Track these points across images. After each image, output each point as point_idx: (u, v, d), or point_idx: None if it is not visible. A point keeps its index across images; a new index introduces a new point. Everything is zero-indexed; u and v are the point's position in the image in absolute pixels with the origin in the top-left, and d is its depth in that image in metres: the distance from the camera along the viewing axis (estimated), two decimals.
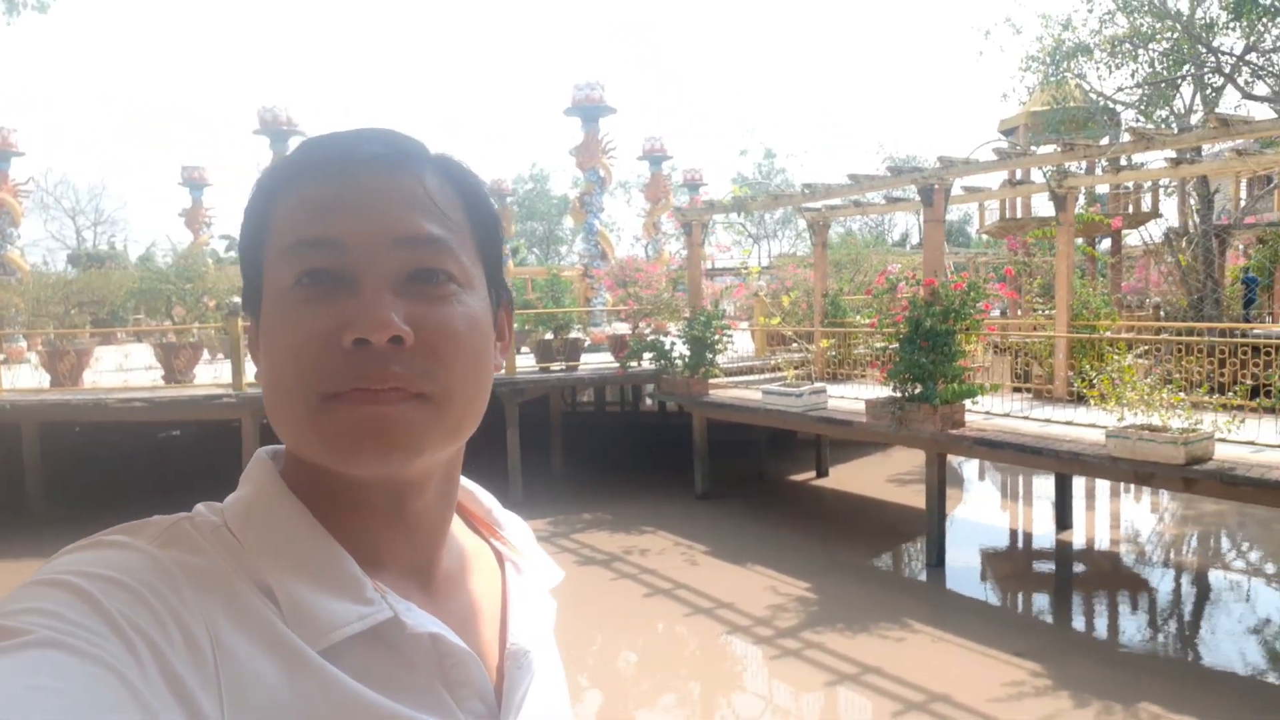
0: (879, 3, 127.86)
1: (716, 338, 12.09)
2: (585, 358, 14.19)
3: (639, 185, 44.23)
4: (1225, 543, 10.93)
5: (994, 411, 9.59)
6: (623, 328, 14.98)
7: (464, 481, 0.82)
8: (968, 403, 9.23)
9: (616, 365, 13.46)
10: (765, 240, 43.54)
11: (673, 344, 12.57)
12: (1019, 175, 15.71)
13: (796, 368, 12.00)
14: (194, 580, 0.58)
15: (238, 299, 12.86)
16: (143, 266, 20.80)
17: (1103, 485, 12.96)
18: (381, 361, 0.62)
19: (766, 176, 44.41)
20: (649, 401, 18.33)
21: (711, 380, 12.25)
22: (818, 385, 10.80)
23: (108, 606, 0.52)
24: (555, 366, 13.49)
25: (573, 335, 14.01)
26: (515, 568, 0.81)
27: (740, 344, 14.73)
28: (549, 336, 13.93)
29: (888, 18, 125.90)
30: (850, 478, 13.72)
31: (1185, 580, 9.45)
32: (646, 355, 12.83)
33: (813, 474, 13.74)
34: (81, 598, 0.52)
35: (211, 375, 12.72)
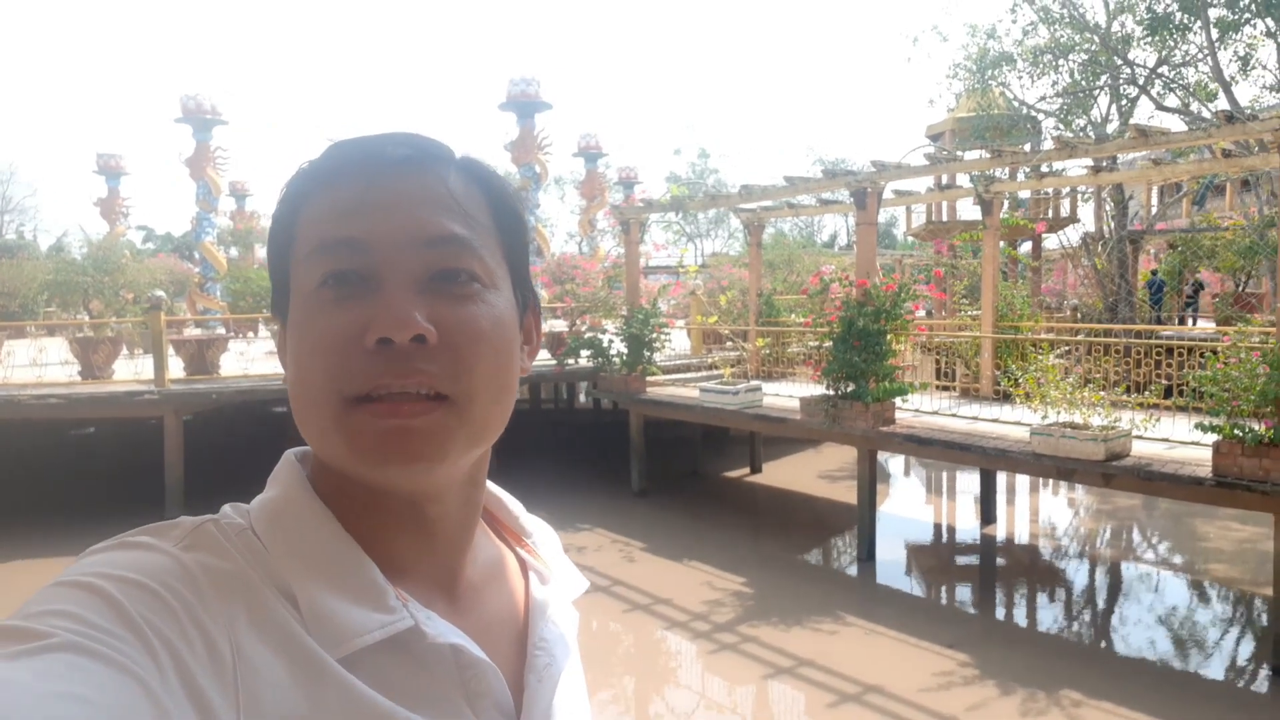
0: (813, 8, 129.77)
1: (654, 335, 12.15)
2: None
3: (574, 182, 44.18)
4: (1138, 535, 11.42)
5: (923, 409, 9.85)
6: (559, 325, 14.94)
7: (491, 487, 0.81)
8: (898, 401, 9.46)
9: (553, 363, 13.44)
10: (699, 239, 43.88)
11: (610, 342, 12.59)
12: (945, 180, 16.16)
13: (733, 366, 12.14)
14: (217, 584, 0.58)
15: (160, 292, 12.45)
16: (56, 257, 19.96)
17: (1023, 480, 13.42)
18: (405, 360, 0.62)
19: (700, 176, 44.76)
20: (583, 399, 18.33)
21: (649, 378, 12.31)
22: (754, 383, 10.95)
23: (130, 610, 0.52)
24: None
25: None
26: (540, 577, 0.81)
27: (677, 342, 14.83)
28: None
29: (821, 22, 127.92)
30: (783, 474, 13.93)
31: (1101, 571, 9.85)
32: (584, 353, 12.83)
33: (747, 470, 13.91)
34: (104, 600, 0.52)
35: (132, 371, 12.29)
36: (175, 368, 12.10)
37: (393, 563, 0.67)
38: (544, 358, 14.45)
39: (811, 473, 14.06)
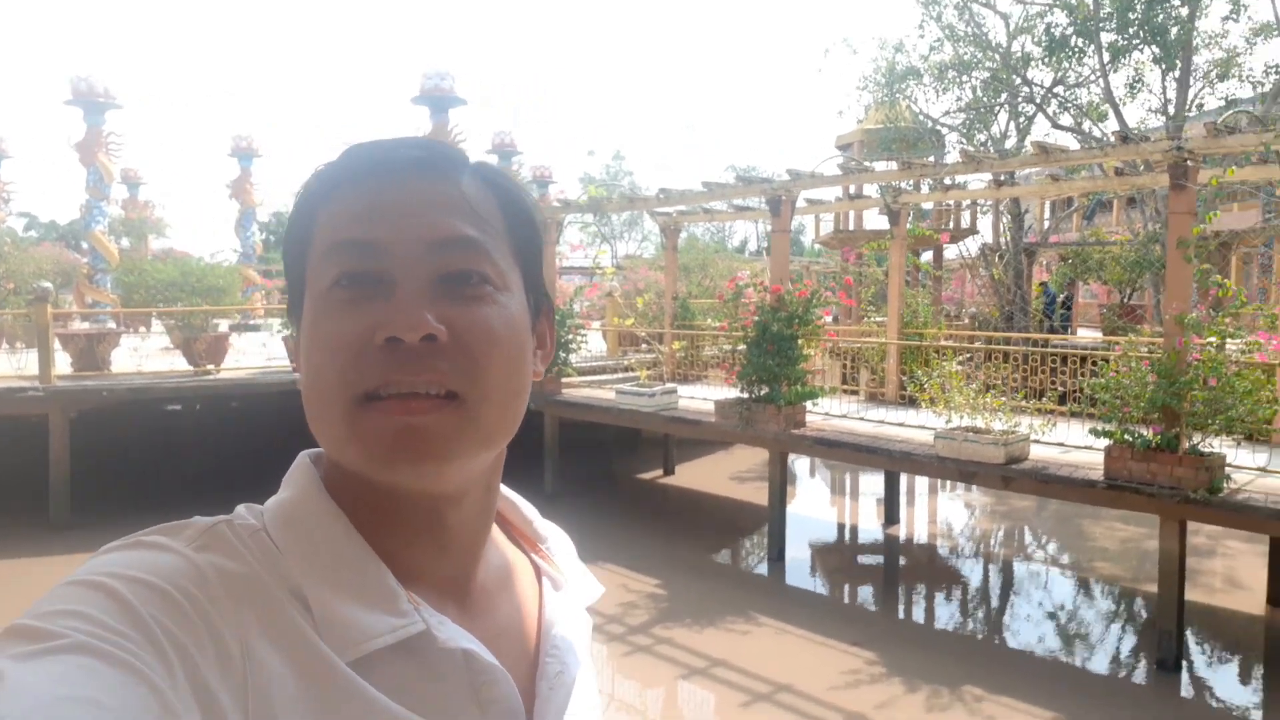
0: (730, 17, 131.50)
1: (570, 337, 12.10)
2: None
3: None
4: (1031, 536, 11.93)
5: (832, 413, 10.08)
6: None
7: (507, 493, 0.82)
8: (809, 404, 9.65)
9: None
10: (613, 241, 43.88)
11: None
12: (853, 190, 16.57)
13: (649, 368, 12.18)
14: (228, 586, 0.58)
15: (46, 283, 11.77)
16: None
17: (925, 482, 13.87)
18: (415, 359, 0.62)
19: (615, 178, 44.79)
20: None
21: (565, 379, 12.26)
22: (669, 385, 11.02)
23: (141, 611, 0.52)
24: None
25: None
26: (553, 583, 0.81)
27: (593, 344, 14.81)
28: None
29: (737, 32, 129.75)
30: (695, 476, 14.06)
31: (998, 570, 10.25)
32: None
33: (660, 472, 13.98)
34: (115, 601, 0.52)
35: (14, 366, 11.58)
36: (62, 363, 11.46)
37: (405, 566, 0.67)
38: None
39: (723, 474, 14.22)
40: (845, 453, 9.07)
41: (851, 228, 19.01)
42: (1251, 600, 8.55)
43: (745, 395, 9.65)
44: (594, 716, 0.78)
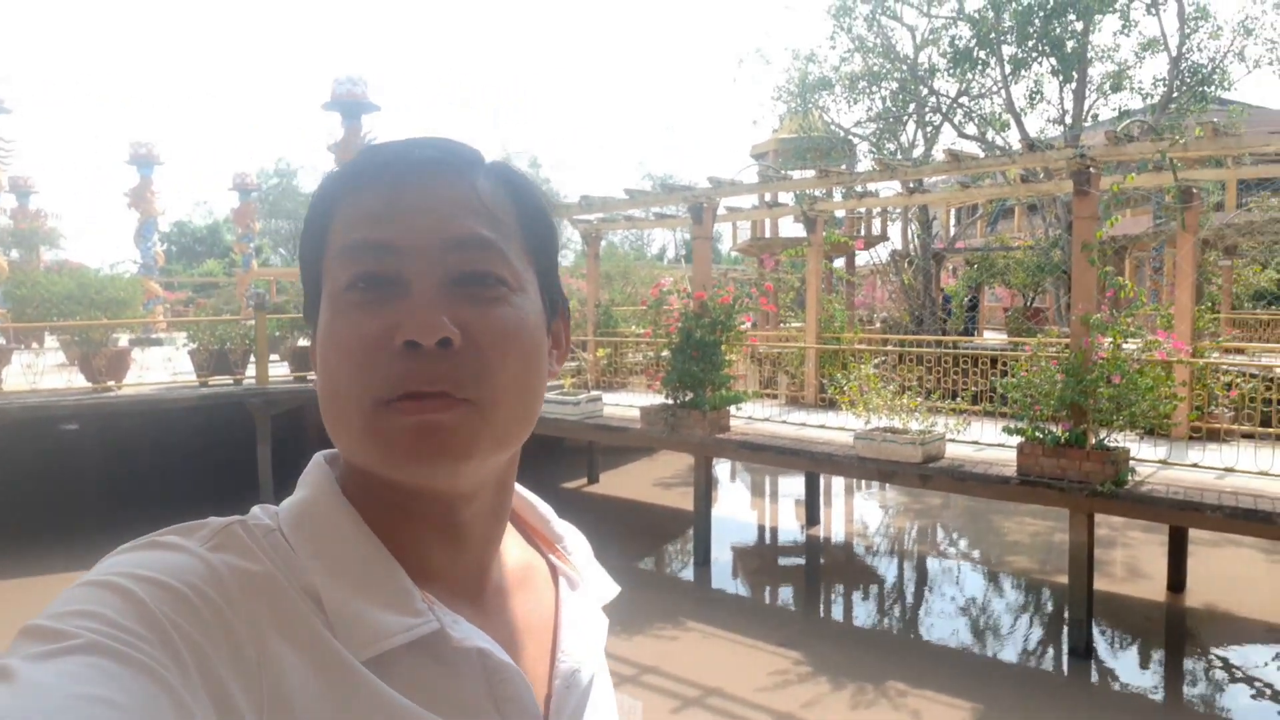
0: (643, 27, 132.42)
1: None
2: None
3: None
4: (948, 532, 12.27)
5: (755, 417, 10.19)
6: None
7: (523, 493, 0.83)
8: (732, 409, 9.74)
9: None
10: None
11: None
12: (769, 198, 16.84)
13: (573, 376, 12.12)
14: (243, 585, 0.58)
15: None
16: None
17: (846, 483, 14.14)
18: (431, 364, 0.62)
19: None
20: None
21: None
22: (594, 393, 10.97)
23: (155, 611, 0.52)
24: (312, 376, 12.70)
25: None
26: (569, 582, 0.80)
27: None
28: (306, 343, 13.15)
29: (652, 41, 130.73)
30: (620, 483, 14.04)
31: (918, 567, 10.51)
32: None
33: (584, 480, 13.92)
34: (129, 601, 0.52)
35: None
36: None
37: (420, 566, 0.67)
38: None
39: (648, 481, 14.24)
40: (769, 456, 9.18)
41: (768, 235, 19.30)
42: (1153, 588, 8.95)
43: (670, 401, 9.68)
44: (610, 715, 0.79)
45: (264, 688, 0.54)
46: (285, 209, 52.91)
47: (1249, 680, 7.12)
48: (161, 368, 12.32)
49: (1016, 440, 7.54)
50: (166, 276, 23.91)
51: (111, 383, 11.24)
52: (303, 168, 54.92)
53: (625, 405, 11.02)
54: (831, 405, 10.09)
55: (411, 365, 0.62)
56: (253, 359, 12.22)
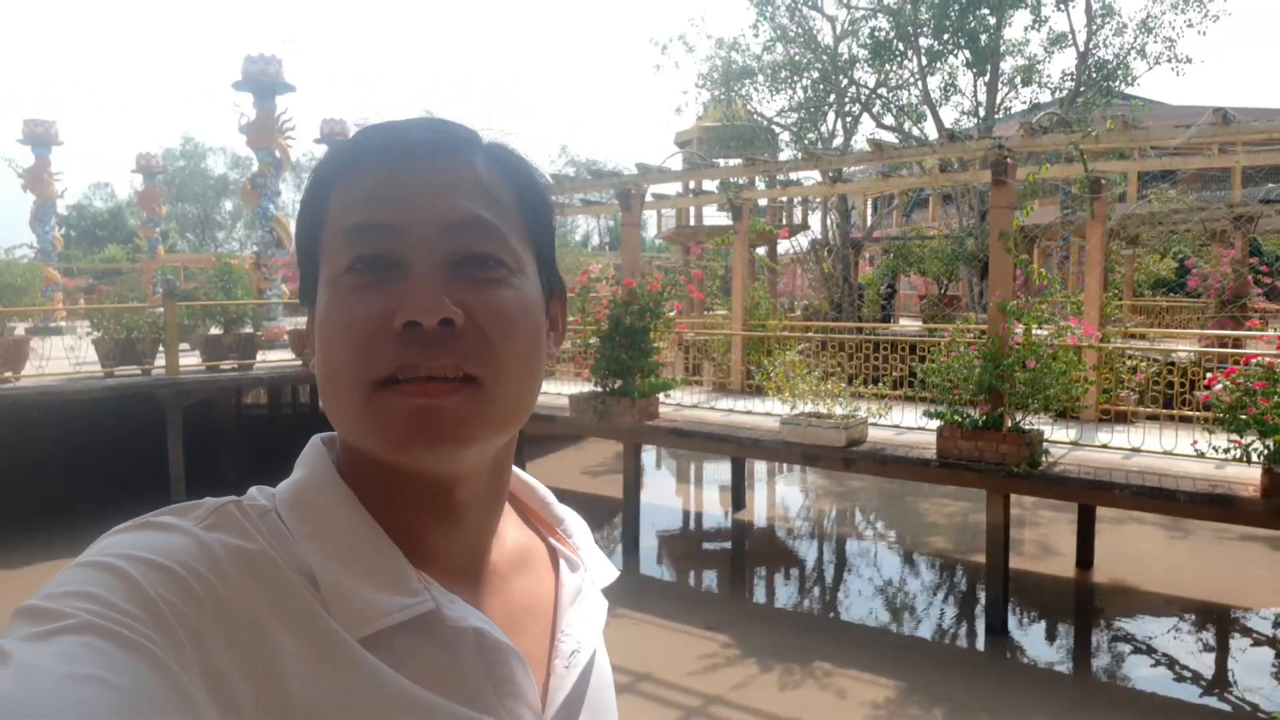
0: (568, 11, 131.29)
1: None
2: (261, 355, 13.14)
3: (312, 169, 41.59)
4: (870, 515, 12.56)
5: (683, 404, 10.24)
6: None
7: (523, 476, 0.83)
8: (661, 395, 9.77)
9: (300, 363, 12.60)
10: None
11: None
12: (692, 186, 16.92)
13: None
14: (238, 564, 0.58)
15: None
16: None
17: (775, 467, 14.35)
18: (432, 343, 0.62)
19: None
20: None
21: None
22: None
23: (149, 591, 0.52)
24: (226, 365, 12.31)
25: (246, 330, 12.88)
26: (569, 564, 0.80)
27: None
28: (217, 332, 12.69)
29: (577, 25, 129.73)
30: (547, 473, 13.95)
31: (842, 549, 10.73)
32: None
33: None
34: (124, 581, 0.52)
35: None
36: None
37: (417, 547, 0.67)
38: (288, 358, 13.54)
39: (575, 469, 14.21)
40: (698, 442, 9.24)
41: (692, 223, 19.39)
42: (1064, 564, 9.32)
43: (599, 389, 9.65)
44: (607, 696, 0.79)
45: (259, 667, 0.54)
46: (193, 192, 51.01)
47: (1150, 650, 7.48)
48: (63, 358, 11.74)
49: (936, 424, 7.74)
50: (66, 262, 22.76)
51: (9, 374, 10.66)
52: (212, 149, 52.94)
53: (552, 393, 10.94)
54: (758, 391, 10.20)
55: (412, 346, 0.62)
56: (162, 348, 11.75)
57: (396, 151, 0.66)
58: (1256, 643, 7.81)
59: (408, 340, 0.62)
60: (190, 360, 12.41)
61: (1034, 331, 7.41)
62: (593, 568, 0.82)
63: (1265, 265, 14.00)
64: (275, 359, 13.48)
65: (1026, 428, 7.35)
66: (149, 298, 18.08)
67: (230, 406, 14.20)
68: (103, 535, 0.58)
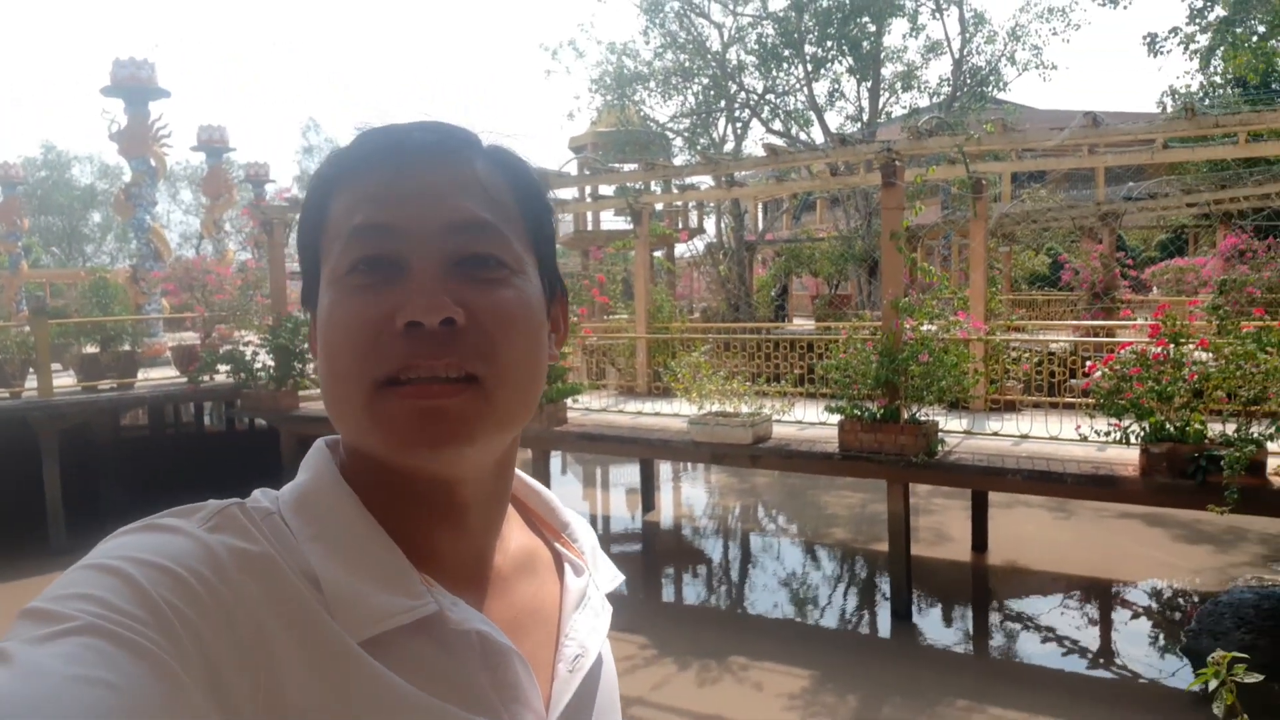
0: (454, 9, 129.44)
1: (307, 346, 11.35)
2: (143, 373, 12.51)
3: (188, 178, 39.86)
4: (776, 510, 12.82)
5: (591, 408, 10.23)
6: (191, 338, 13.43)
7: (528, 480, 0.83)
8: (569, 400, 9.74)
9: (185, 381, 12.06)
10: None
11: (255, 354, 11.57)
12: (589, 191, 16.94)
13: None
14: (241, 566, 0.58)
15: None
16: None
17: (679, 467, 14.48)
18: (434, 343, 0.62)
19: None
20: (210, 421, 16.59)
21: (302, 393, 11.49)
22: None
23: (152, 593, 0.52)
24: (105, 385, 11.67)
25: (124, 348, 12.22)
26: (574, 569, 0.80)
27: None
28: (94, 350, 12.01)
29: (462, 27, 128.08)
30: None
31: (751, 545, 10.93)
32: (223, 368, 11.64)
33: None
34: (127, 583, 0.52)
35: None
36: None
37: (420, 549, 0.67)
38: (172, 375, 12.92)
39: None
40: (608, 445, 9.25)
41: (590, 228, 19.43)
42: (960, 549, 9.73)
43: None
44: (611, 702, 0.79)
45: (261, 669, 0.55)
46: (57, 204, 48.02)
47: (1042, 627, 7.88)
48: None
49: (837, 418, 7.97)
50: None
51: None
52: (77, 158, 49.98)
53: None
54: (665, 393, 10.29)
55: (414, 346, 0.62)
56: (33, 370, 11.04)
57: (397, 153, 0.67)
58: (1135, 615, 8.33)
59: (410, 340, 0.62)
60: (65, 381, 11.72)
61: (925, 327, 7.70)
62: (598, 572, 0.83)
63: (1130, 259, 14.97)
64: (158, 377, 12.87)
65: (922, 419, 7.64)
66: (13, 316, 16.95)
67: (110, 429, 13.41)
68: (106, 538, 0.58)
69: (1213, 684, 2.44)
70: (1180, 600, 8.46)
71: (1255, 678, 2.43)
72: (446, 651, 0.63)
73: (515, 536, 0.78)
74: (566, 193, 13.86)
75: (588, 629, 0.76)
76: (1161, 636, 7.69)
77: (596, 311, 15.96)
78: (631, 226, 12.01)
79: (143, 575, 0.53)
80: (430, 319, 0.62)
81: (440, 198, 0.66)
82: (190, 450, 15.18)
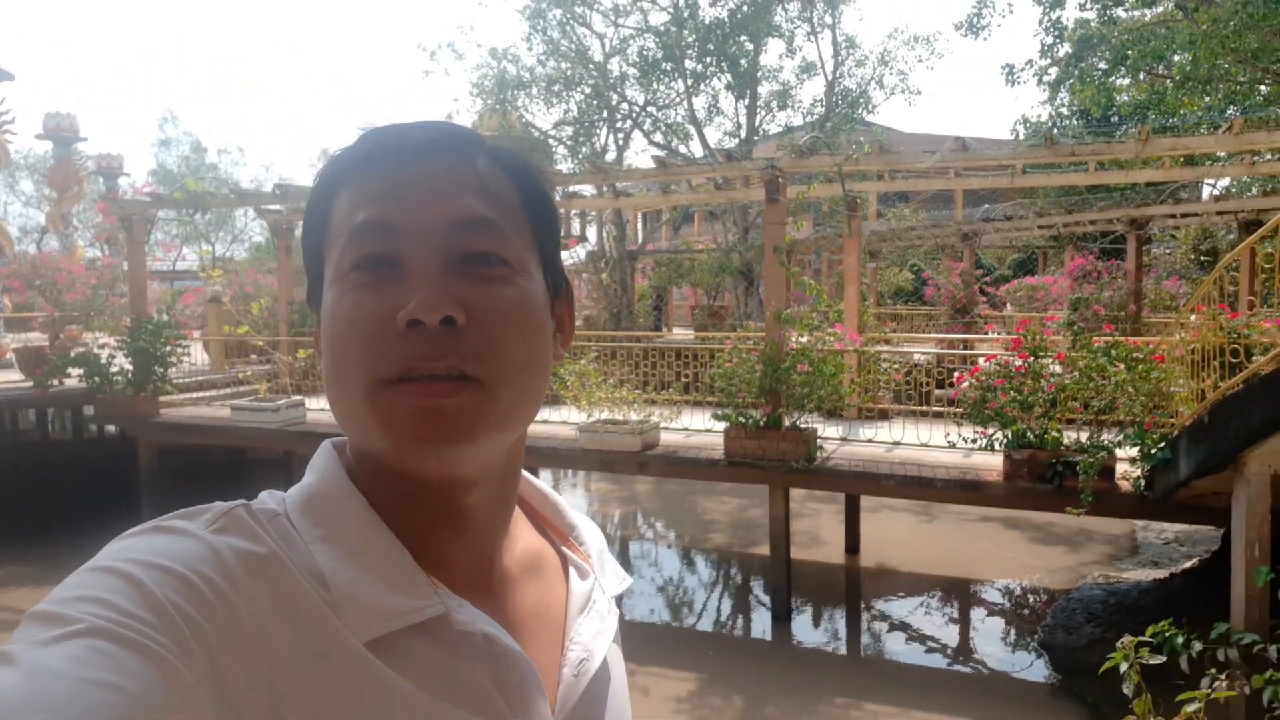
0: (330, 8, 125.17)
1: (169, 349, 10.75)
2: None
3: (30, 168, 36.91)
4: (659, 517, 12.96)
5: None
6: (39, 338, 12.48)
7: (535, 483, 0.83)
8: None
9: (30, 385, 11.20)
10: (196, 242, 39.26)
11: (111, 357, 10.86)
12: None
13: (269, 381, 11.22)
14: (246, 568, 0.58)
15: None
16: None
17: (547, 475, 14.42)
18: (434, 342, 0.62)
19: (195, 171, 40.26)
20: (53, 428, 15.41)
21: (163, 399, 10.87)
22: (295, 398, 10.24)
23: (158, 595, 0.52)
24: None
25: None
26: (579, 572, 0.80)
27: (194, 356, 13.23)
28: None
29: (336, 26, 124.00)
30: None
31: (635, 551, 10.99)
32: (75, 371, 10.88)
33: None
34: (133, 586, 0.52)
35: None
36: None
37: (426, 551, 0.67)
38: (16, 379, 11.98)
39: None
40: None
41: None
42: (834, 552, 10.09)
43: None
44: (620, 705, 0.79)
45: (267, 670, 0.55)
46: None
47: (909, 626, 8.28)
48: None
49: (723, 426, 8.14)
50: None
51: None
52: None
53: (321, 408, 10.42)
54: (554, 401, 10.23)
55: (415, 345, 0.62)
56: None
57: (398, 152, 0.67)
58: (995, 612, 8.85)
59: (411, 339, 0.62)
60: None
61: (804, 338, 7.97)
62: (604, 576, 0.83)
63: (988, 276, 15.91)
64: (1, 380, 11.89)
65: (803, 426, 7.90)
66: None
67: None
68: (112, 540, 0.58)
69: (1123, 666, 2.64)
70: (1036, 598, 9.03)
71: (1159, 659, 2.64)
72: (452, 653, 0.63)
73: (522, 538, 0.78)
74: None
75: (592, 633, 0.76)
76: (1019, 633, 8.20)
77: None
78: None
79: (149, 578, 0.53)
80: (431, 318, 0.62)
81: (441, 195, 0.66)
82: (35, 460, 14.04)
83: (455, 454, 0.64)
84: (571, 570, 0.80)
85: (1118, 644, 2.65)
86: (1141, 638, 2.69)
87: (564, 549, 0.82)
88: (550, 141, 18.82)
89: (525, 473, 0.79)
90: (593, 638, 0.75)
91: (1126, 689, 2.66)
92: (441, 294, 0.62)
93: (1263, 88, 13.28)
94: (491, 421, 0.65)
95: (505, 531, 0.74)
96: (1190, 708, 2.41)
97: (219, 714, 0.51)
